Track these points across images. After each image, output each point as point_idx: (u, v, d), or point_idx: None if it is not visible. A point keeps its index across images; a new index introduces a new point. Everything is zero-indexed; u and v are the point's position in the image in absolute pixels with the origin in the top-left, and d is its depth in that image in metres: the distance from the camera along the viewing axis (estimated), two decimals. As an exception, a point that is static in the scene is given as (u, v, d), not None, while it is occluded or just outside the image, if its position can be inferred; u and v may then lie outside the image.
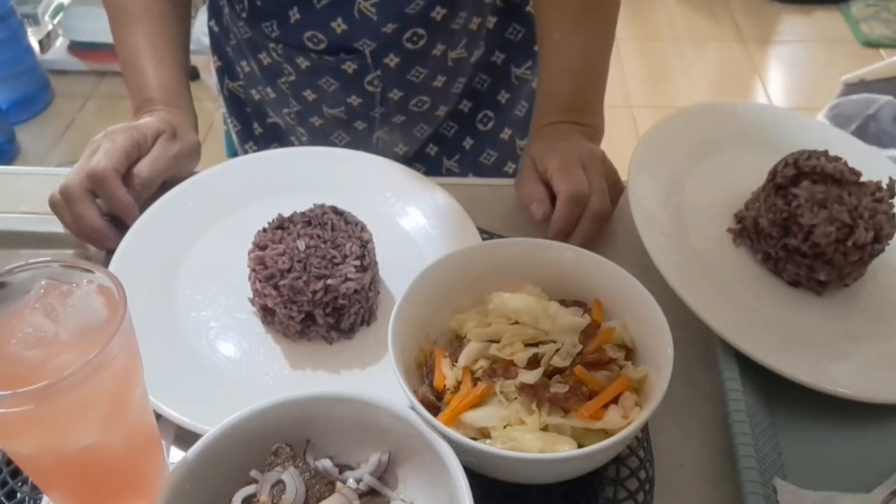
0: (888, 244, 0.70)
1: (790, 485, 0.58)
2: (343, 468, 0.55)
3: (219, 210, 0.78)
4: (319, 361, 0.66)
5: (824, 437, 0.63)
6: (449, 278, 0.64)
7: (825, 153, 0.71)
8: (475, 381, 0.58)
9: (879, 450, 0.62)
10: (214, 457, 0.52)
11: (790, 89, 2.95)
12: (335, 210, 0.70)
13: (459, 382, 0.58)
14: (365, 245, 0.68)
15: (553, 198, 0.77)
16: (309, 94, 0.96)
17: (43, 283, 0.46)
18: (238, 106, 1.06)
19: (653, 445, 0.61)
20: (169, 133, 0.81)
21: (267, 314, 0.68)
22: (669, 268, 0.67)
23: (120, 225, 0.75)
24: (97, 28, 2.78)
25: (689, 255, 0.70)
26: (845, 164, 0.71)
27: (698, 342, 0.69)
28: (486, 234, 0.78)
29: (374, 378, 0.65)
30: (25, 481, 0.59)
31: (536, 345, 0.59)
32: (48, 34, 2.97)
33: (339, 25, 0.87)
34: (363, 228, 0.69)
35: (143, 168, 0.77)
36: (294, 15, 0.88)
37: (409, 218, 0.78)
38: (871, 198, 0.69)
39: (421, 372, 0.62)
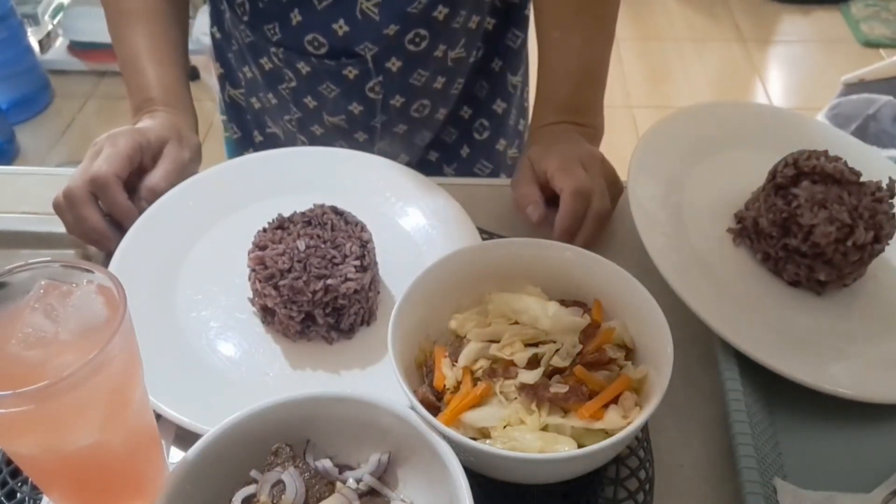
0: (888, 244, 0.70)
1: (790, 485, 0.58)
2: (343, 468, 0.55)
3: (219, 210, 0.78)
4: (319, 361, 0.66)
5: (824, 437, 0.63)
6: (449, 278, 0.64)
7: (825, 153, 0.71)
8: (475, 381, 0.58)
9: (879, 450, 0.62)
10: (214, 457, 0.52)
11: (790, 89, 2.95)
12: (335, 210, 0.70)
13: (459, 382, 0.58)
14: (365, 245, 0.68)
15: (548, 200, 0.77)
16: (310, 101, 0.95)
17: (43, 283, 0.46)
18: (239, 114, 1.06)
19: (653, 445, 0.61)
20: (176, 139, 0.81)
21: (267, 314, 0.68)
22: (669, 268, 0.67)
23: (122, 227, 0.75)
24: (97, 28, 2.77)
25: (689, 255, 0.70)
26: (845, 164, 0.71)
27: (698, 342, 0.69)
28: (486, 234, 0.78)
29: (374, 378, 0.65)
30: (25, 481, 0.59)
31: (536, 345, 0.59)
32: (48, 34, 2.97)
33: (340, 27, 0.87)
34: (363, 228, 0.69)
35: (159, 182, 0.77)
36: (295, 16, 0.88)
37: (409, 218, 0.78)
38: (871, 198, 0.69)
39: (421, 372, 0.62)
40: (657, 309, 0.58)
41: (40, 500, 0.57)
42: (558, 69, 0.86)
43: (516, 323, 0.61)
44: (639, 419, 0.54)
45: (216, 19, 1.00)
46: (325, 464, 0.53)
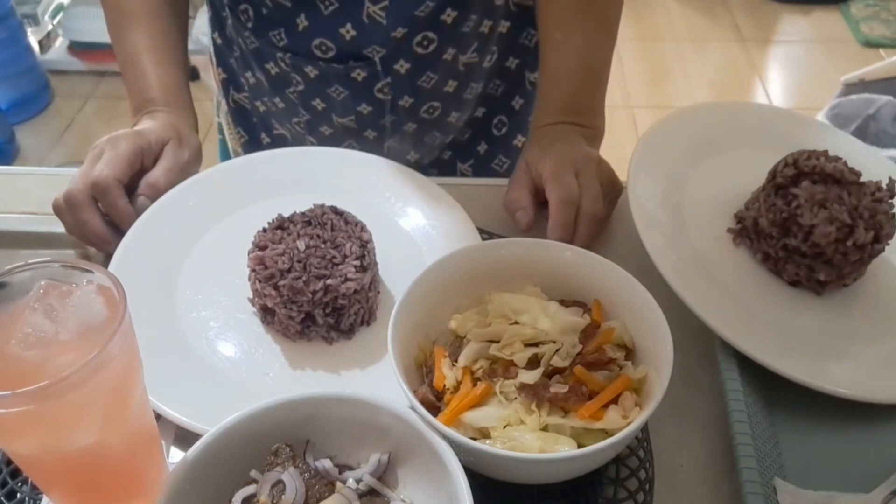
0: (888, 244, 0.70)
1: (790, 485, 0.58)
2: (343, 468, 0.55)
3: (219, 210, 0.78)
4: (319, 361, 0.66)
5: (824, 437, 0.63)
6: (449, 278, 0.64)
7: (825, 153, 0.71)
8: (475, 381, 0.58)
9: (879, 450, 0.62)
10: (214, 457, 0.52)
11: (790, 89, 2.95)
12: (335, 210, 0.70)
13: (459, 382, 0.58)
14: (365, 245, 0.68)
15: (542, 203, 0.77)
16: (318, 104, 0.95)
17: (43, 283, 0.46)
18: (244, 117, 1.06)
19: (653, 445, 0.61)
20: (176, 140, 0.81)
21: (267, 314, 0.68)
22: (669, 268, 0.67)
23: (121, 231, 0.75)
24: (97, 28, 2.77)
25: (689, 255, 0.70)
26: (845, 164, 0.71)
27: (698, 342, 0.69)
28: (486, 234, 0.78)
29: (374, 378, 0.65)
30: (25, 481, 0.59)
31: (536, 345, 0.59)
32: (48, 34, 2.97)
33: (347, 31, 0.87)
34: (363, 228, 0.69)
35: (158, 179, 0.77)
36: (302, 22, 0.87)
37: (409, 218, 0.78)
38: (871, 198, 0.69)
39: (421, 372, 0.62)
40: (657, 309, 0.58)
41: (40, 500, 0.57)
42: (559, 69, 0.86)
43: (516, 323, 0.61)
44: (639, 419, 0.54)
45: (217, 25, 0.99)
46: (325, 464, 0.53)
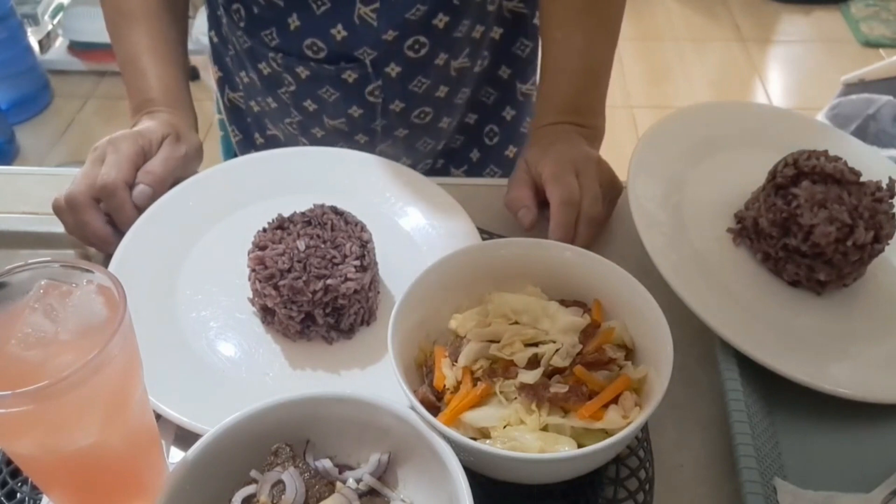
0: (888, 244, 0.70)
1: (790, 485, 0.58)
2: (343, 468, 0.55)
3: (219, 210, 0.78)
4: (319, 361, 0.66)
5: (824, 437, 0.63)
6: (449, 278, 0.64)
7: (825, 153, 0.71)
8: (475, 381, 0.58)
9: (879, 450, 0.62)
10: (214, 457, 0.52)
11: (790, 89, 2.95)
12: (335, 210, 0.70)
13: (459, 382, 0.58)
14: (365, 245, 0.68)
15: (543, 202, 0.77)
16: (309, 105, 0.95)
17: (43, 283, 0.46)
18: (239, 116, 1.06)
19: (653, 445, 0.61)
20: (174, 135, 0.81)
21: (267, 314, 0.68)
22: (669, 268, 0.67)
23: (122, 232, 0.75)
24: (97, 28, 2.77)
25: (689, 255, 0.70)
26: (845, 164, 0.71)
27: (698, 342, 0.69)
28: (486, 234, 0.78)
29: (374, 378, 0.65)
30: (25, 481, 0.59)
31: (536, 345, 0.59)
32: (48, 34, 2.97)
33: (338, 32, 0.87)
34: (363, 228, 0.69)
35: (156, 166, 0.77)
36: (293, 22, 0.87)
37: (409, 218, 0.78)
38: (871, 198, 0.69)
39: (421, 372, 0.62)
40: (657, 309, 0.58)
41: (40, 500, 0.57)
42: (560, 69, 0.85)
43: (516, 323, 0.61)
44: (639, 419, 0.54)
45: (213, 24, 1.00)
46: (325, 464, 0.53)
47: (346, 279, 0.65)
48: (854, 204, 0.68)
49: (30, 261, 0.47)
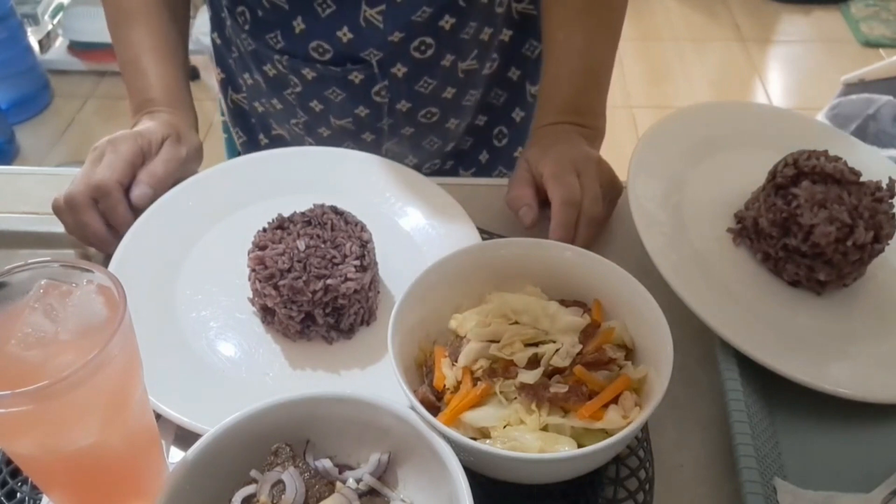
0: (888, 244, 0.70)
1: (790, 485, 0.58)
2: (343, 468, 0.55)
3: (219, 210, 0.78)
4: (319, 361, 0.66)
5: (824, 437, 0.63)
6: (449, 278, 0.64)
7: (825, 153, 0.71)
8: (475, 381, 0.58)
9: (879, 450, 0.62)
10: (214, 457, 0.52)
11: (790, 89, 2.95)
12: (335, 210, 0.70)
13: (459, 382, 0.58)
14: (365, 245, 0.68)
15: (544, 202, 0.77)
16: (316, 105, 0.95)
17: (42, 283, 0.46)
18: (243, 117, 1.06)
19: (653, 445, 0.61)
20: (174, 136, 0.81)
21: (267, 314, 0.68)
22: (669, 268, 0.67)
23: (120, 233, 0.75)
24: (97, 28, 2.78)
25: (689, 255, 0.70)
26: (845, 164, 0.71)
27: (698, 342, 0.68)
28: (486, 234, 0.78)
29: (374, 378, 0.65)
30: (25, 481, 0.59)
31: (536, 345, 0.59)
32: (48, 34, 2.97)
33: (344, 34, 0.87)
34: (363, 228, 0.69)
35: (157, 167, 0.77)
36: (299, 25, 0.87)
37: (409, 218, 0.78)
38: (871, 198, 0.69)
39: (421, 372, 0.62)
40: (657, 309, 0.58)
41: (40, 500, 0.57)
42: (561, 69, 0.85)
43: (516, 323, 0.61)
44: (639, 419, 0.54)
45: (217, 25, 0.99)
46: (325, 464, 0.53)
47: (346, 279, 0.65)
48: (854, 204, 0.68)
49: (30, 261, 0.47)
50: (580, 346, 0.59)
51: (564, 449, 0.53)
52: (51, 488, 0.52)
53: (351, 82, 0.91)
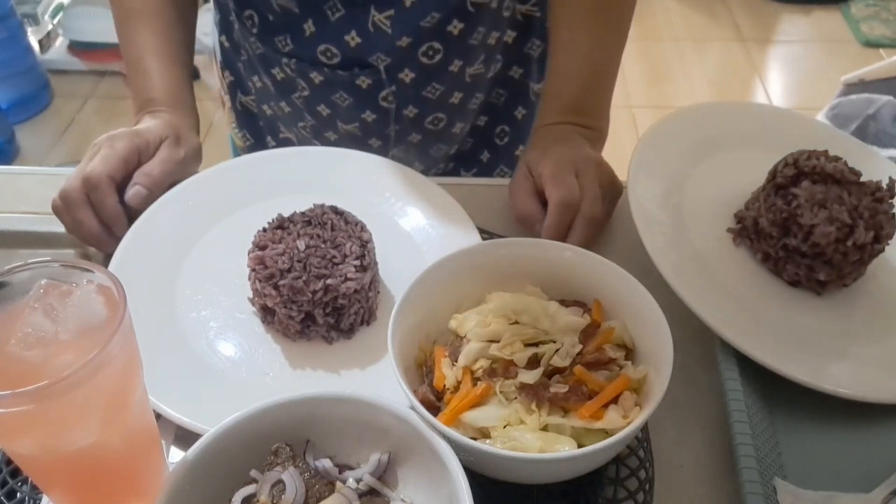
0: (888, 244, 0.70)
1: (790, 485, 0.58)
2: (343, 468, 0.55)
3: (219, 210, 0.78)
4: (319, 361, 0.66)
5: (824, 437, 0.63)
6: (449, 278, 0.64)
7: (825, 153, 0.71)
8: (475, 380, 0.58)
9: (879, 450, 0.62)
10: (214, 457, 0.52)
11: (790, 89, 2.95)
12: (335, 210, 0.70)
13: (459, 382, 0.58)
14: (365, 245, 0.68)
15: (544, 203, 0.76)
16: (323, 109, 0.95)
17: (43, 282, 0.46)
18: (251, 120, 1.06)
19: (653, 445, 0.61)
20: (173, 137, 0.80)
21: (267, 314, 0.68)
22: (669, 268, 0.67)
23: (112, 229, 0.75)
24: (97, 28, 2.78)
25: (689, 255, 0.70)
26: (845, 164, 0.71)
27: (698, 342, 0.68)
28: (486, 234, 0.78)
29: (374, 378, 0.65)
30: (25, 481, 0.59)
31: (536, 345, 0.59)
32: (48, 34, 2.97)
33: (352, 39, 0.86)
34: (363, 228, 0.69)
35: (153, 167, 0.77)
36: (309, 28, 0.87)
37: (409, 218, 0.78)
38: (871, 198, 0.69)
39: (421, 372, 0.62)
40: (657, 309, 0.58)
41: (40, 500, 0.57)
42: (565, 69, 0.85)
43: (516, 323, 0.61)
44: (639, 419, 0.54)
45: (224, 28, 0.99)
46: (325, 464, 0.53)
47: (346, 279, 0.65)
48: (854, 204, 0.68)
49: (30, 261, 0.47)
50: (580, 346, 0.59)
51: (564, 449, 0.53)
52: (51, 488, 0.52)
53: (358, 87, 0.91)
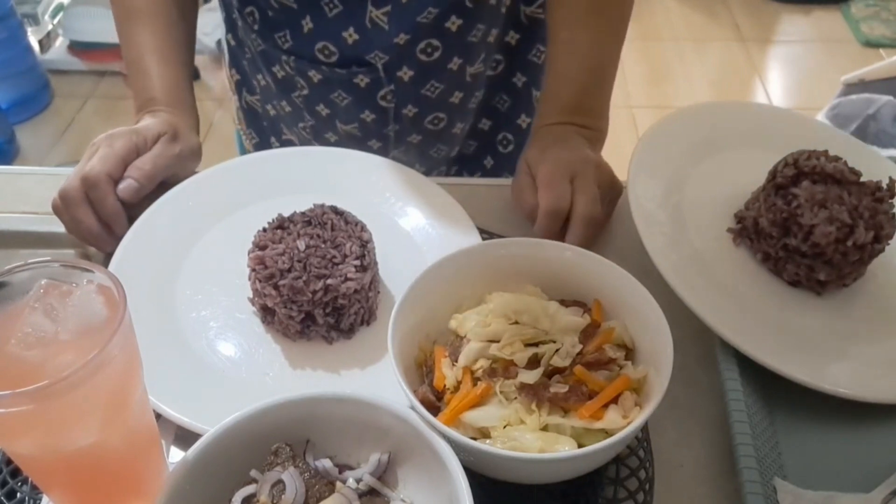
0: (888, 244, 0.70)
1: (790, 485, 0.58)
2: (343, 468, 0.55)
3: (219, 210, 0.78)
4: (319, 361, 0.66)
5: (824, 437, 0.63)
6: (449, 278, 0.64)
7: (825, 153, 0.71)
8: (475, 380, 0.58)
9: (879, 450, 0.62)
10: (214, 457, 0.52)
11: (790, 89, 2.95)
12: (335, 210, 0.70)
13: (459, 382, 0.58)
14: (365, 245, 0.68)
15: None
16: (322, 109, 0.95)
17: (43, 282, 0.46)
18: (256, 120, 1.06)
19: (653, 445, 0.61)
20: (170, 134, 0.81)
21: (267, 314, 0.68)
22: (669, 268, 0.67)
23: (112, 227, 0.75)
24: (97, 28, 2.78)
25: (689, 255, 0.70)
26: (845, 164, 0.71)
27: (698, 342, 0.68)
28: (486, 234, 0.78)
29: (374, 378, 0.65)
30: (25, 481, 0.59)
31: (536, 345, 0.59)
32: (48, 34, 2.97)
33: (350, 35, 0.86)
34: (363, 228, 0.69)
35: (145, 162, 0.77)
36: (307, 24, 0.87)
37: (409, 218, 0.78)
38: (871, 198, 0.69)
39: (421, 372, 0.62)
40: (657, 309, 0.58)
41: (40, 500, 0.57)
42: (564, 69, 0.85)
43: (516, 323, 0.61)
44: (639, 419, 0.54)
45: (230, 27, 0.99)
46: (325, 464, 0.53)
47: (346, 279, 0.65)
48: (854, 204, 0.68)
49: (30, 261, 0.47)
50: (580, 346, 0.59)
51: (564, 449, 0.53)
52: (51, 488, 0.52)
53: (356, 86, 0.91)
